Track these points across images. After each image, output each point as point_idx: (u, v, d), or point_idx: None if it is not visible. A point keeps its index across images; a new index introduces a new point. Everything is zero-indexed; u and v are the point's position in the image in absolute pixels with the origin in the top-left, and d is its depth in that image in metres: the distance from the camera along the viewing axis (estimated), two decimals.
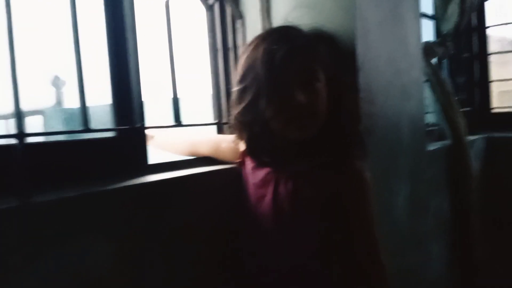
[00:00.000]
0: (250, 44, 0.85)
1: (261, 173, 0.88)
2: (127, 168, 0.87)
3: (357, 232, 0.84)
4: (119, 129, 0.87)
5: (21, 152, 0.66)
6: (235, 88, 0.85)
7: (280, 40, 0.81)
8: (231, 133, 0.92)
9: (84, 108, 0.76)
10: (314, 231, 0.84)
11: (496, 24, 2.38)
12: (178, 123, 0.93)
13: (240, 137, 0.88)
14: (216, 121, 1.14)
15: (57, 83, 2.10)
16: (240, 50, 0.91)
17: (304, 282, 0.85)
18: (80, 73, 0.76)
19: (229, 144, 0.96)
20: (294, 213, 0.83)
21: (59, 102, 2.02)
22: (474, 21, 2.31)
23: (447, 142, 1.82)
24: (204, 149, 1.02)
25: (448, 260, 1.75)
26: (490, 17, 2.41)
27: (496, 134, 2.16)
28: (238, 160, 0.95)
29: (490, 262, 1.96)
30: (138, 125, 0.87)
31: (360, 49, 1.03)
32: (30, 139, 0.84)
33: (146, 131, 0.91)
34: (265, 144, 0.85)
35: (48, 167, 0.76)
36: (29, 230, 0.62)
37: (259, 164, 0.89)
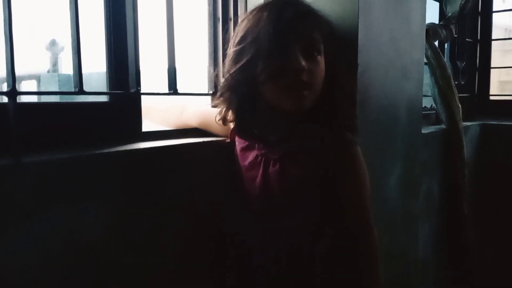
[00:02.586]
0: (252, 11, 0.83)
1: (250, 155, 0.87)
2: (121, 134, 0.86)
3: (349, 202, 0.83)
4: (113, 93, 0.86)
5: (13, 111, 0.65)
6: (231, 50, 0.82)
7: (286, 5, 0.79)
8: (220, 100, 0.88)
9: (79, 69, 0.75)
10: (305, 211, 0.84)
11: (502, 9, 2.35)
12: (173, 90, 0.92)
13: (229, 104, 0.85)
14: (211, 92, 1.13)
15: (53, 47, 2.05)
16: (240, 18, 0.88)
17: (298, 261, 0.84)
18: (76, 33, 0.74)
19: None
20: (284, 193, 0.83)
21: (54, 68, 1.98)
22: (479, 5, 2.28)
23: (442, 126, 1.82)
24: (196, 123, 1.00)
25: (435, 243, 1.78)
26: (497, 4, 2.37)
27: (492, 122, 2.16)
28: (227, 140, 0.93)
29: (481, 247, 2.00)
30: (133, 90, 0.86)
31: (362, 26, 1.01)
32: (23, 100, 0.83)
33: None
34: (253, 116, 0.83)
35: (40, 128, 0.75)
36: (21, 190, 0.62)
37: (248, 140, 0.87)
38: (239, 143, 0.90)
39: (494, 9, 2.31)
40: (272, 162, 0.84)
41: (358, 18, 0.99)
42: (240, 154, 0.89)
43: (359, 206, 0.84)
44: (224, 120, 0.88)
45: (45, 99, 0.94)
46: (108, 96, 0.86)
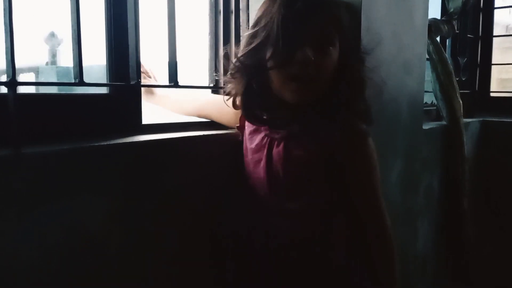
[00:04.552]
0: None
1: (258, 137, 0.86)
2: (120, 127, 0.85)
3: (359, 192, 0.82)
4: (114, 85, 0.85)
5: (13, 102, 0.64)
6: (246, 33, 0.81)
7: None
8: (230, 81, 0.87)
9: (79, 60, 0.74)
10: (310, 195, 0.82)
11: (504, 6, 2.34)
12: (174, 83, 0.91)
13: (237, 86, 0.84)
14: (212, 85, 1.12)
15: (52, 40, 2.04)
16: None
17: (305, 248, 0.83)
18: (77, 23, 0.73)
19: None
20: (287, 176, 0.82)
21: (53, 60, 1.97)
22: (481, 1, 2.27)
23: (443, 122, 1.81)
24: (210, 111, 0.99)
25: (435, 238, 1.78)
26: (499, 0, 2.37)
27: (492, 118, 2.16)
28: (237, 125, 0.92)
29: (481, 242, 2.00)
30: (134, 82, 0.85)
31: (364, 21, 1.01)
32: (22, 90, 0.82)
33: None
34: (260, 100, 0.82)
35: (40, 120, 0.74)
36: (20, 182, 0.61)
37: (254, 124, 0.86)
38: (248, 127, 0.89)
39: (495, 6, 2.30)
40: (276, 142, 0.83)
41: (360, 12, 0.98)
42: (249, 137, 0.89)
43: (370, 196, 0.82)
44: (233, 103, 0.87)
45: (45, 90, 0.93)
46: (108, 88, 0.86)
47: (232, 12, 1.15)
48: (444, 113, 1.79)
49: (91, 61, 0.99)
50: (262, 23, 0.77)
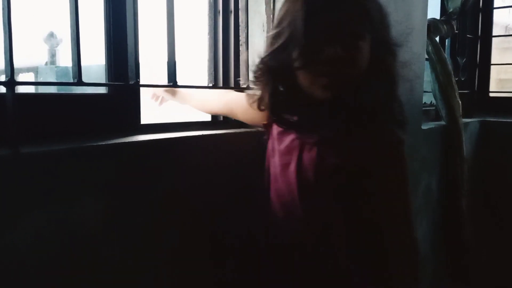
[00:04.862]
0: None
1: (287, 139, 0.81)
2: (119, 127, 0.85)
3: (390, 216, 0.76)
4: (112, 85, 0.85)
5: (11, 101, 0.64)
6: (269, 33, 0.78)
7: None
8: (254, 84, 0.83)
9: (78, 60, 0.74)
10: (337, 205, 0.76)
11: (503, 6, 2.34)
12: (173, 83, 0.91)
13: (263, 88, 0.80)
14: (211, 84, 1.12)
15: (51, 40, 2.03)
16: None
17: (327, 260, 0.78)
18: (76, 23, 0.73)
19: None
20: (319, 182, 0.76)
21: (52, 60, 1.97)
22: (480, 1, 2.27)
23: (442, 122, 1.81)
24: (234, 108, 0.96)
25: (434, 239, 1.78)
26: (498, 1, 2.37)
27: (491, 118, 2.16)
28: (264, 123, 0.86)
29: (480, 243, 2.00)
30: (133, 82, 0.85)
31: None
32: (21, 90, 0.82)
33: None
34: (288, 100, 0.78)
35: (39, 119, 0.74)
36: (18, 181, 0.61)
37: (283, 126, 0.82)
38: (277, 126, 0.85)
39: (495, 6, 2.30)
40: (307, 147, 0.77)
41: None
42: (278, 137, 0.84)
43: (401, 223, 0.77)
44: (258, 105, 0.83)
45: (43, 90, 0.93)
46: (107, 87, 0.86)
47: (231, 12, 1.15)
48: (443, 113, 1.79)
49: (90, 61, 0.99)
50: (285, 22, 0.74)
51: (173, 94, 1.05)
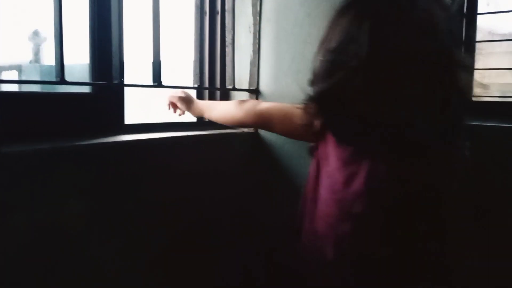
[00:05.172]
0: (347, 9, 0.70)
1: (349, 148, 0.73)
2: (103, 126, 0.84)
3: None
4: (96, 84, 0.84)
5: None
6: (322, 58, 0.71)
7: (392, 7, 0.66)
8: (304, 110, 0.76)
9: (61, 58, 0.73)
10: (404, 222, 0.73)
11: (487, 12, 2.38)
12: (158, 83, 0.90)
13: (318, 115, 0.74)
14: (196, 85, 1.12)
15: (36, 38, 2.01)
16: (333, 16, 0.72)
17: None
18: (59, 21, 0.73)
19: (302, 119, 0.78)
20: (389, 197, 0.71)
21: (36, 58, 1.94)
22: (464, 7, 2.31)
23: None
24: (275, 120, 0.87)
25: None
26: (482, 6, 2.41)
27: (475, 122, 2.19)
28: (317, 133, 0.77)
29: (464, 248, 2.02)
30: (117, 81, 0.84)
31: None
32: (4, 89, 0.81)
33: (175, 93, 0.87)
34: (351, 126, 0.71)
35: (21, 118, 0.73)
36: (1, 180, 0.60)
37: (350, 146, 0.73)
38: (325, 145, 0.76)
39: (479, 11, 2.34)
40: (379, 158, 0.71)
41: None
42: (338, 145, 0.74)
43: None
44: (310, 127, 0.76)
45: (26, 89, 0.92)
46: (91, 87, 0.85)
47: (218, 13, 1.15)
48: None
49: (75, 60, 0.98)
50: (346, 50, 0.67)
51: (189, 105, 1.00)
